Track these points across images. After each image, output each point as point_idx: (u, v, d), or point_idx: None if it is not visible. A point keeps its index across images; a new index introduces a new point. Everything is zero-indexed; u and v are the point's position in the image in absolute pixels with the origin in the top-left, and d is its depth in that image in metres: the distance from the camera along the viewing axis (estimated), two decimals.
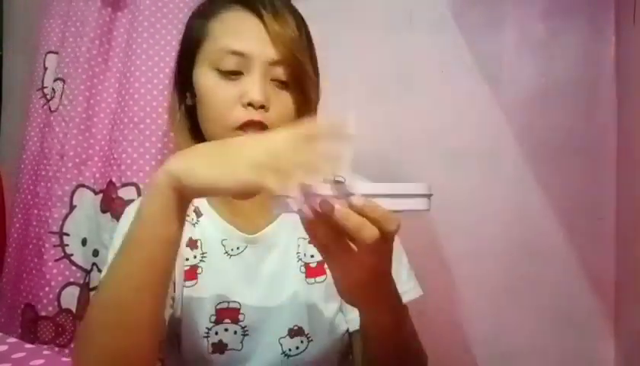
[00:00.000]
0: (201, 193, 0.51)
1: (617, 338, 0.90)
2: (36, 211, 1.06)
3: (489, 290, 0.97)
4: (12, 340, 0.75)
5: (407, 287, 0.74)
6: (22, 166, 1.18)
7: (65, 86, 1.07)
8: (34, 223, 1.06)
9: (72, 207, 1.04)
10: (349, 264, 0.48)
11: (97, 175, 1.04)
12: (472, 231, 0.98)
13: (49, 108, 1.09)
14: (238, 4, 0.69)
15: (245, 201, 0.75)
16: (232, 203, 0.76)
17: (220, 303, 0.71)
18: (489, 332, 0.98)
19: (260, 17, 0.67)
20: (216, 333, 0.70)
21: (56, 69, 1.09)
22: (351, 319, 0.72)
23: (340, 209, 0.43)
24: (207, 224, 0.76)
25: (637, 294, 0.80)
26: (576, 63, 0.91)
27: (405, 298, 0.73)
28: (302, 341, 0.70)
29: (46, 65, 1.18)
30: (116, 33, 1.07)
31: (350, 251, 0.47)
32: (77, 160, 1.05)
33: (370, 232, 0.44)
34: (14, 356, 0.70)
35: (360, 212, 0.44)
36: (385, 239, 0.45)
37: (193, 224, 0.76)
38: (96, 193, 1.04)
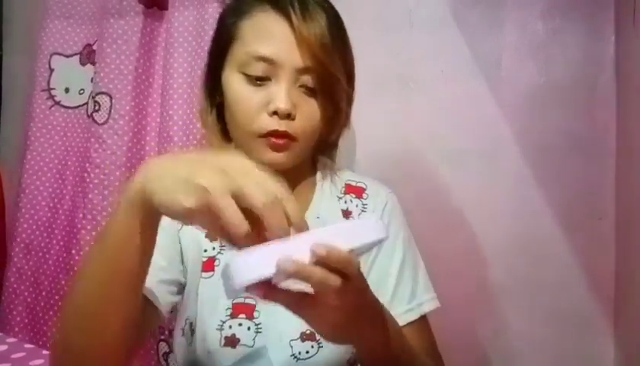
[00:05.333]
0: (160, 211, 0.47)
1: (617, 338, 0.90)
2: (90, 217, 1.12)
3: (489, 290, 0.97)
4: (12, 340, 0.75)
5: (423, 298, 0.74)
6: (27, 167, 1.23)
7: (113, 101, 1.13)
8: (79, 226, 1.13)
9: None
10: (321, 312, 0.47)
11: None
12: (472, 231, 0.98)
13: (94, 120, 1.15)
14: (268, 3, 0.67)
15: None
16: None
17: (237, 297, 0.71)
18: (489, 332, 0.98)
19: (289, 20, 0.66)
20: (230, 327, 0.70)
21: (98, 82, 1.14)
22: None
23: (300, 270, 0.41)
24: None
25: (637, 294, 0.80)
26: (576, 63, 0.91)
27: (421, 310, 0.73)
28: (312, 346, 0.69)
29: (52, 67, 1.22)
30: (155, 51, 1.15)
31: (319, 299, 0.45)
32: (133, 170, 1.11)
33: (334, 283, 0.43)
34: (14, 356, 0.70)
35: (322, 261, 0.42)
36: (348, 279, 0.44)
37: None
38: None
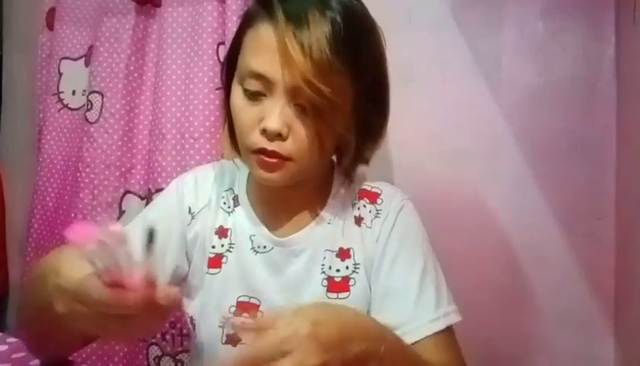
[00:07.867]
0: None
1: (617, 338, 0.90)
2: (81, 216, 1.13)
3: (488, 290, 0.97)
4: (12, 340, 0.75)
5: (449, 308, 0.70)
6: (39, 168, 1.25)
7: (104, 100, 1.13)
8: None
9: (121, 212, 1.12)
10: None
11: (142, 182, 1.12)
12: (471, 231, 0.98)
13: (87, 119, 1.15)
14: (267, 14, 0.64)
15: (280, 205, 0.75)
16: (268, 202, 0.75)
17: (242, 296, 0.72)
18: (489, 332, 0.98)
19: (280, 35, 0.61)
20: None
21: (91, 81, 1.15)
22: (407, 331, 0.66)
23: None
24: (241, 216, 0.76)
25: (637, 294, 0.80)
26: (576, 63, 0.91)
27: (447, 320, 0.69)
28: None
29: (61, 71, 1.25)
30: (148, 48, 1.15)
31: None
32: (123, 169, 1.13)
33: None
34: (14, 356, 0.70)
35: None
36: None
37: (228, 213, 0.76)
38: (142, 198, 1.12)
